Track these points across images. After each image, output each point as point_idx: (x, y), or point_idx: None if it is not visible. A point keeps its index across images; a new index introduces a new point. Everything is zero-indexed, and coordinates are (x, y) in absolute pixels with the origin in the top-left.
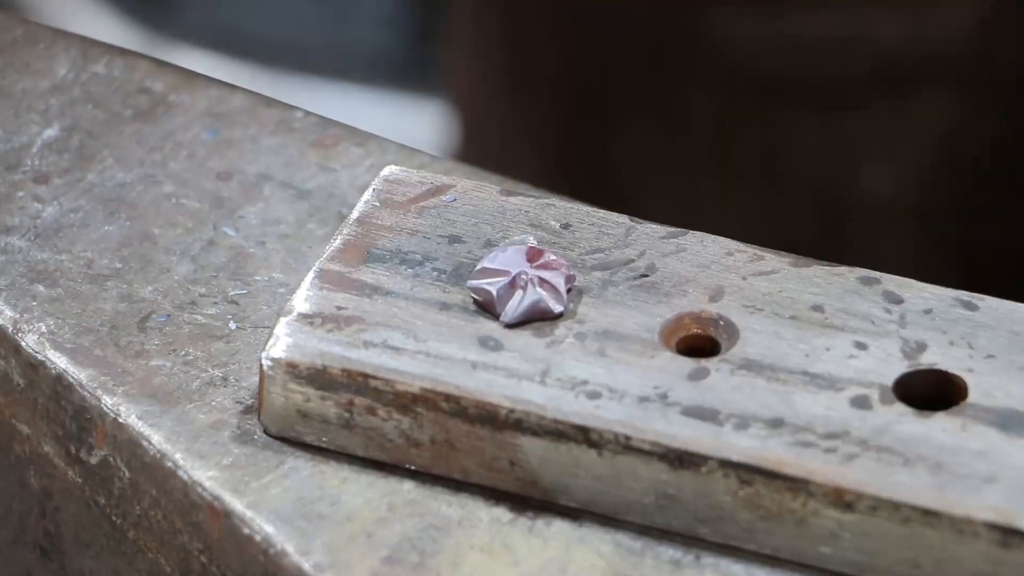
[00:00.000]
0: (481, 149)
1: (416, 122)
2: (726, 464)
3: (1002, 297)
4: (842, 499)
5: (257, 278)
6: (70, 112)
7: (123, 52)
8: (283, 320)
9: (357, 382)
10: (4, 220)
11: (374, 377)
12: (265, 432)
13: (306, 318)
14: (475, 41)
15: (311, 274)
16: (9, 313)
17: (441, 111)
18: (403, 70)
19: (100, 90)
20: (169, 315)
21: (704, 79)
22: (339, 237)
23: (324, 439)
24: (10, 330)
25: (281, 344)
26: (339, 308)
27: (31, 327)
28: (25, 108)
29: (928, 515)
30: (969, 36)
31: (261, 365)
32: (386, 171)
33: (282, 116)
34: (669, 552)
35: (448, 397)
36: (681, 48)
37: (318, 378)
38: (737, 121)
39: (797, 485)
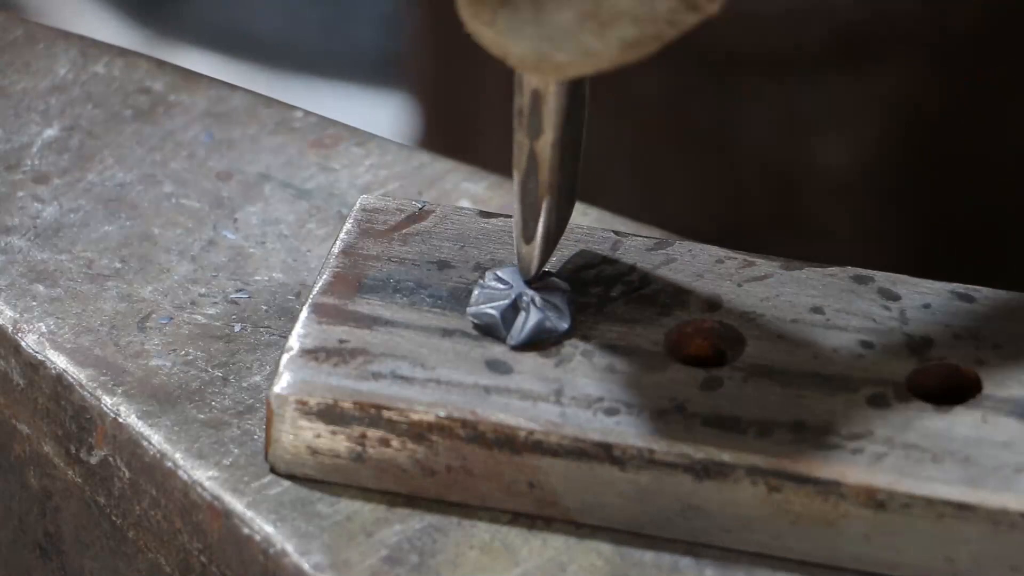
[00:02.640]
0: (455, 140)
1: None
2: (754, 471)
3: (957, 265)
4: (874, 499)
5: (257, 278)
6: (70, 112)
7: (123, 52)
8: (286, 357)
9: (370, 414)
10: (4, 220)
11: (388, 408)
12: (272, 471)
13: (310, 353)
14: (436, 34)
15: (305, 310)
16: (9, 313)
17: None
18: (403, 70)
19: (100, 90)
20: (169, 315)
21: (658, 56)
22: (327, 270)
23: (335, 475)
24: (10, 330)
25: (288, 381)
26: (341, 341)
27: (31, 327)
28: (25, 108)
29: (963, 509)
30: (923, 5)
31: (269, 404)
32: (363, 200)
33: (282, 116)
34: (670, 553)
35: (465, 423)
36: None
37: (329, 413)
38: (691, 97)
39: (828, 488)
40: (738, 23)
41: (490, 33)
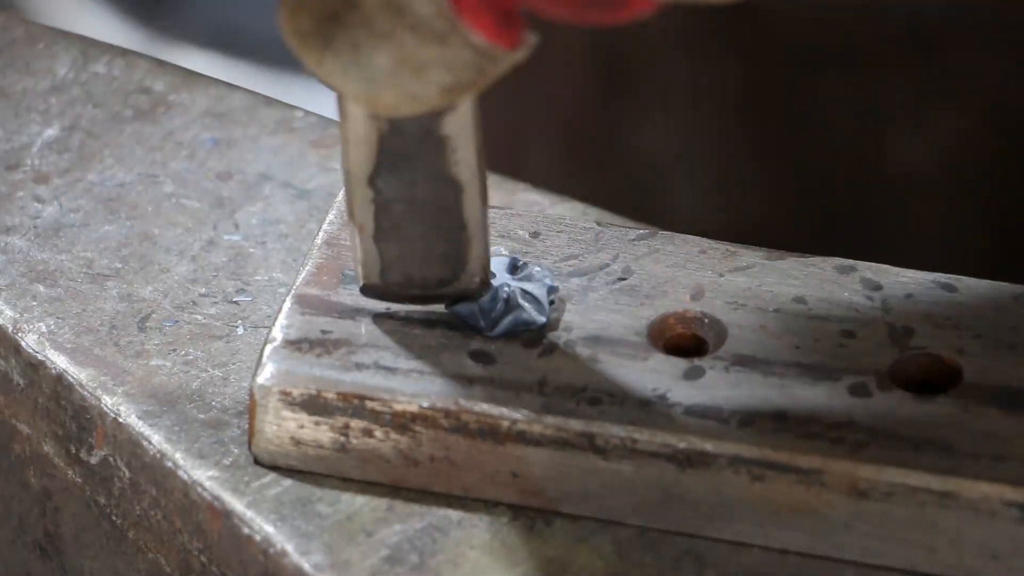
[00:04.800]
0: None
1: None
2: (736, 461)
3: None
4: (856, 487)
5: (257, 278)
6: (70, 112)
7: (123, 52)
8: (269, 347)
9: (353, 405)
10: (4, 220)
11: (371, 398)
12: (256, 462)
13: (293, 344)
14: None
15: (288, 300)
16: (9, 313)
17: None
18: None
19: (100, 90)
20: (170, 317)
21: (734, 51)
22: (310, 260)
23: (318, 466)
24: (10, 330)
25: (272, 372)
26: (324, 332)
27: (31, 327)
28: (25, 108)
29: (944, 497)
30: None
31: (252, 395)
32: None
33: (282, 116)
34: (669, 552)
35: (448, 413)
36: (711, 20)
37: (312, 403)
38: (767, 92)
39: (810, 477)
40: (812, 16)
41: (321, 72)
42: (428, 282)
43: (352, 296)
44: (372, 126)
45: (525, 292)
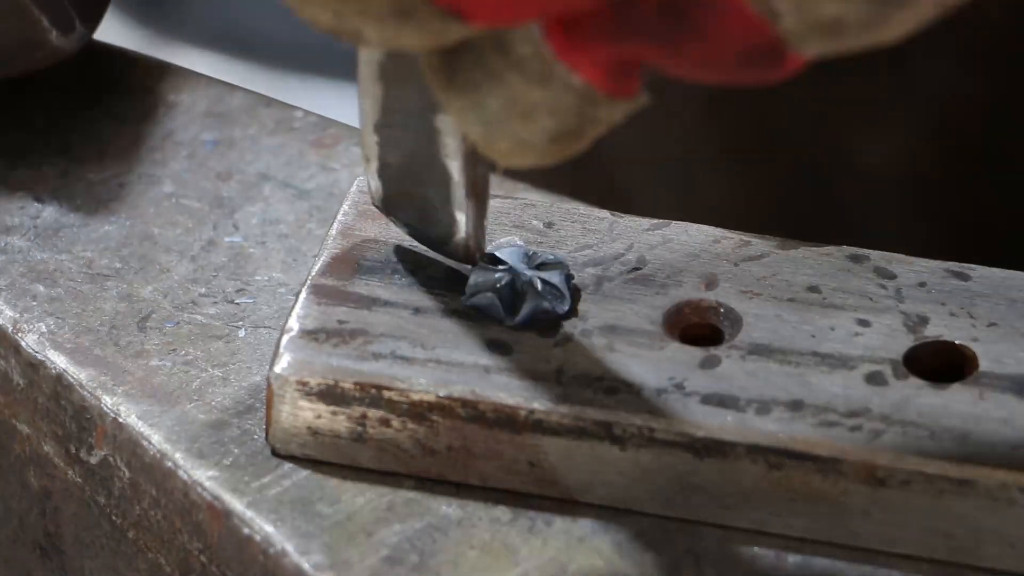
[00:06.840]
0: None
1: None
2: (754, 450)
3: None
4: (874, 476)
5: (257, 278)
6: (70, 111)
7: (123, 52)
8: (286, 338)
9: (371, 394)
10: (4, 220)
11: (388, 388)
12: (273, 453)
13: (310, 334)
14: None
15: (304, 291)
16: (9, 313)
17: None
18: None
19: (101, 89)
20: (170, 317)
21: None
22: (325, 251)
23: (335, 455)
24: (10, 330)
25: (289, 362)
26: (341, 322)
27: (31, 327)
28: (26, 108)
29: (961, 485)
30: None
31: (269, 384)
32: (360, 181)
33: (282, 116)
34: (669, 552)
35: (465, 403)
36: None
37: (329, 393)
38: (732, 93)
39: (827, 465)
40: None
41: (449, 110)
42: (427, 237)
43: (368, 286)
44: (380, 86)
45: (544, 281)
